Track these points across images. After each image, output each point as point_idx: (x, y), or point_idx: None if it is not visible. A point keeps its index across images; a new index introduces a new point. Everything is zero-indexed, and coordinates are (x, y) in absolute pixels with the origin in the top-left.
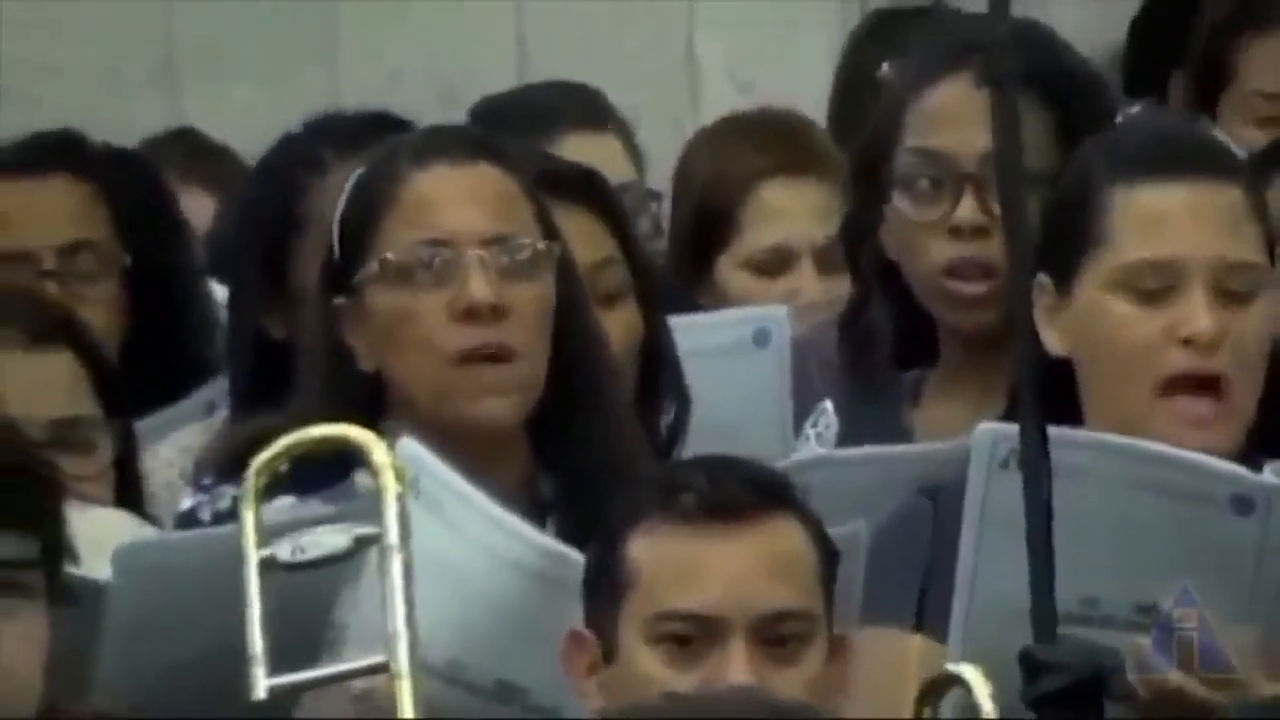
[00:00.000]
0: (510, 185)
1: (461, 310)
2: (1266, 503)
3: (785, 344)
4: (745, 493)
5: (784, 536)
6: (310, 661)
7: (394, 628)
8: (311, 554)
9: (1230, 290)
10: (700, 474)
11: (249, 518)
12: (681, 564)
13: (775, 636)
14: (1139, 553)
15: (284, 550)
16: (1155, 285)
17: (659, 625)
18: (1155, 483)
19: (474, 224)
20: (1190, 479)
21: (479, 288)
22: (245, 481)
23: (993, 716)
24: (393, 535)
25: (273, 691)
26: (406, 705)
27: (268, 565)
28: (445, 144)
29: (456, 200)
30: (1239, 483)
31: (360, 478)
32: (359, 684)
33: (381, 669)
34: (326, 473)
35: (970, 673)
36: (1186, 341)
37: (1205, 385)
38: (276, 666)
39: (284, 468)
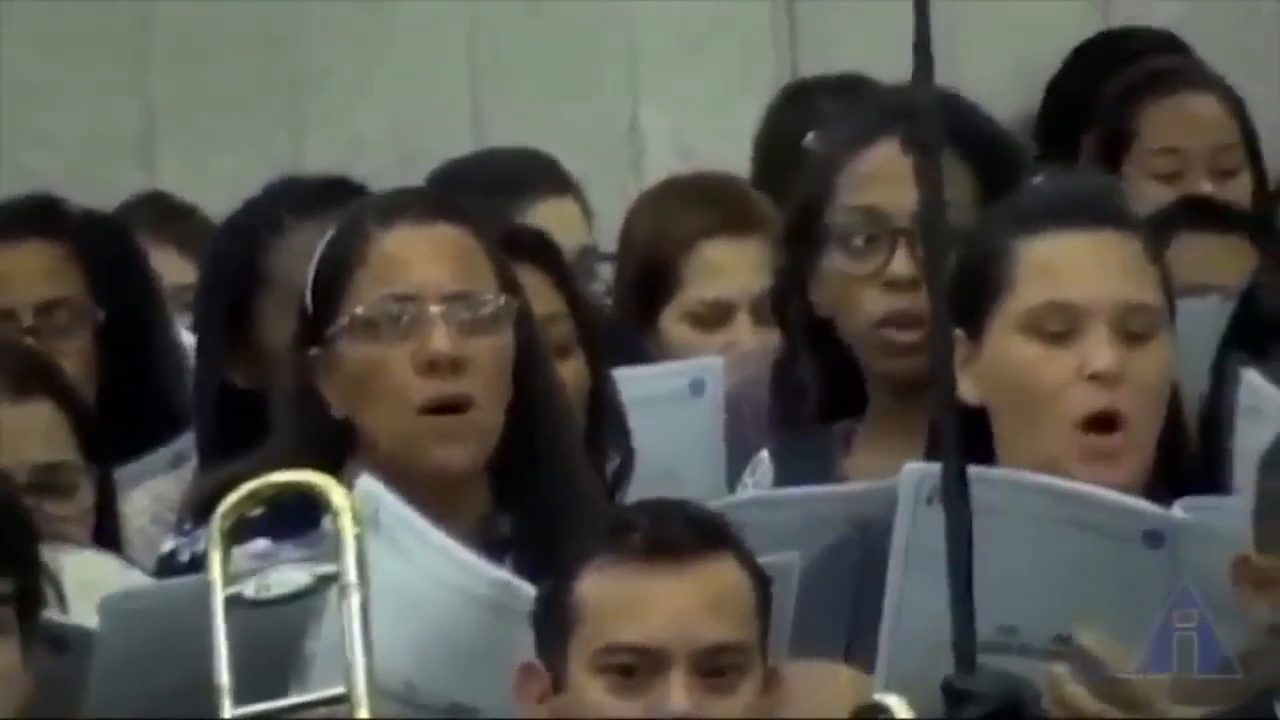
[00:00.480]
0: (471, 243)
1: (424, 363)
2: (1175, 537)
3: (719, 393)
4: (687, 533)
5: (723, 575)
6: (283, 692)
7: (351, 660)
8: (275, 591)
9: (1130, 331)
10: (644, 516)
11: (215, 558)
12: (627, 599)
13: (714, 668)
14: (1056, 585)
15: (249, 588)
16: (1059, 328)
17: (605, 657)
18: (1071, 518)
19: (437, 280)
20: (1104, 515)
21: (440, 341)
22: (211, 525)
23: None
24: (350, 574)
25: None
26: None
27: (234, 602)
28: (409, 205)
29: (420, 258)
30: (1150, 518)
31: (329, 520)
32: (322, 712)
33: (341, 700)
34: (302, 515)
35: (895, 702)
36: (1092, 378)
37: (1109, 423)
38: (250, 698)
39: (255, 511)
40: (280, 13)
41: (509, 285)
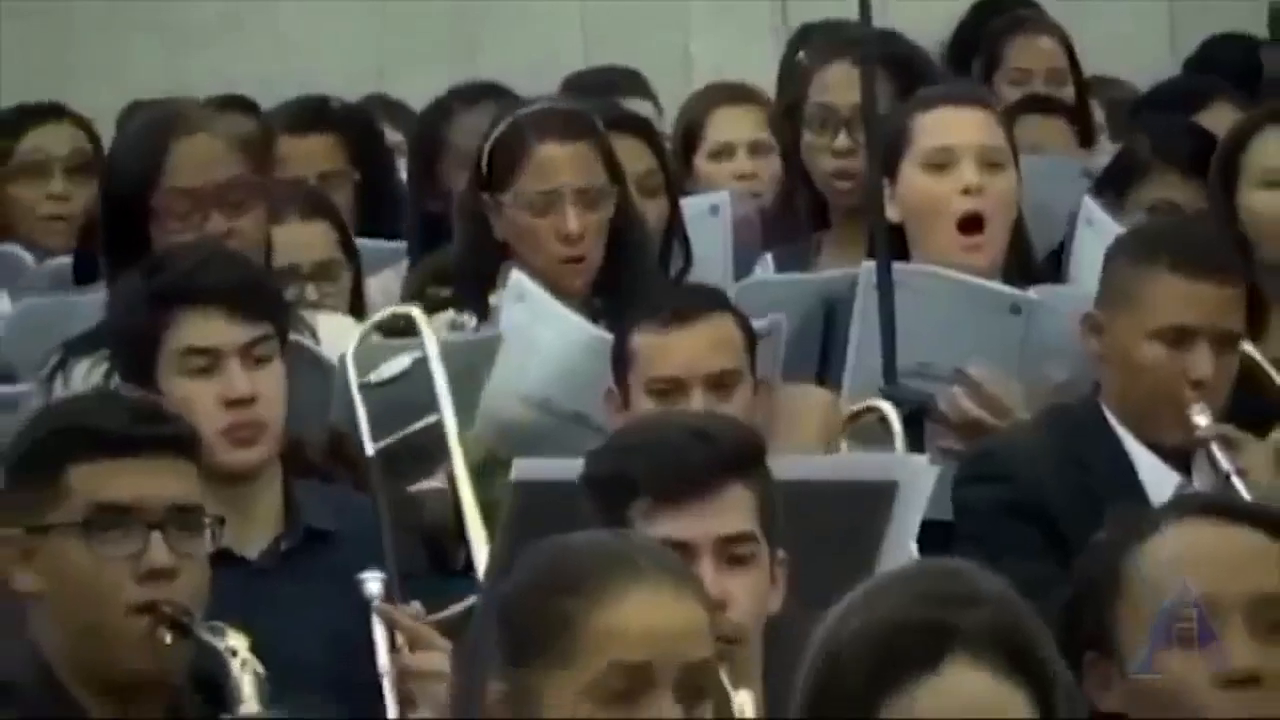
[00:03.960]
0: (593, 152)
1: (563, 237)
2: (1030, 309)
3: (729, 214)
4: (697, 301)
5: (722, 327)
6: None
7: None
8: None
9: (988, 162)
10: (669, 293)
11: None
12: (659, 348)
13: (718, 385)
14: (954, 337)
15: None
16: (942, 162)
17: (650, 384)
18: (964, 295)
19: (571, 180)
20: (984, 293)
21: (573, 223)
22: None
23: (900, 431)
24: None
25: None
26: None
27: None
28: (557, 125)
29: (562, 166)
30: (1014, 296)
31: (491, 297)
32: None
33: (438, 424)
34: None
35: (884, 405)
36: (964, 191)
37: (977, 221)
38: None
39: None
40: None
41: (614, 173)
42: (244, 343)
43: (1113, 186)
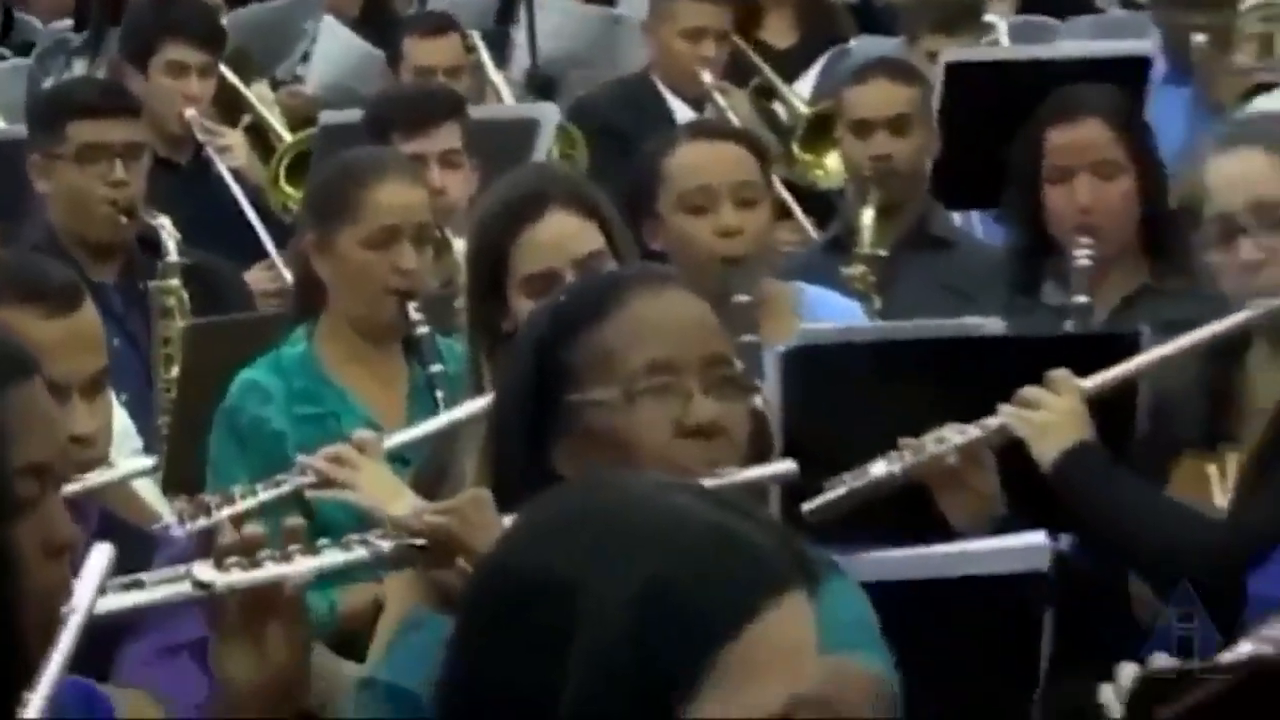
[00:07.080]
0: None
1: None
2: (627, 23)
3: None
4: (442, 20)
5: (454, 40)
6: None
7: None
8: None
9: None
10: (419, 19)
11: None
12: (416, 50)
13: (452, 74)
14: (585, 37)
15: None
16: None
17: (417, 74)
18: (598, 17)
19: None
20: (601, 15)
21: None
22: None
23: (492, 67)
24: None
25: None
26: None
27: None
28: None
29: None
30: (618, 15)
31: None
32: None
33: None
34: None
35: (478, 41)
36: None
37: None
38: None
39: None
40: None
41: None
42: (201, 63)
43: None
